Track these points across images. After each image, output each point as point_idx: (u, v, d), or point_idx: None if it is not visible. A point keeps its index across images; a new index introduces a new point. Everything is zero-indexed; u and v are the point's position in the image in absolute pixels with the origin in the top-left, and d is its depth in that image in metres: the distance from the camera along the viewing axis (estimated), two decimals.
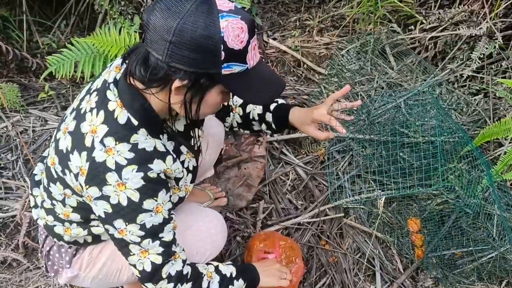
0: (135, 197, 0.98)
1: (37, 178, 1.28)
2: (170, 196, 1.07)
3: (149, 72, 0.91)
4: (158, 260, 1.07)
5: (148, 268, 1.08)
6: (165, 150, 1.04)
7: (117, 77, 1.03)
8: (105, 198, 0.98)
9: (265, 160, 1.95)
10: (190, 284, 1.14)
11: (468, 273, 1.65)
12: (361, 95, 2.19)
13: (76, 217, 1.13)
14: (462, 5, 2.27)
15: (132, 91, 0.98)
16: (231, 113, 1.41)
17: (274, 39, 2.62)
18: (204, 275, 1.19)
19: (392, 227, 1.76)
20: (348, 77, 2.29)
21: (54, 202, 1.14)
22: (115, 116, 0.98)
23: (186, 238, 1.27)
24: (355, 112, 2.06)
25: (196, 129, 1.23)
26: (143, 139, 0.99)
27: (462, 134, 1.83)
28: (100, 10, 2.44)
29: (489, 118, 2.05)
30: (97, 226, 1.16)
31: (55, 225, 1.18)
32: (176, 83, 0.91)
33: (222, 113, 1.43)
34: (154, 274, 1.08)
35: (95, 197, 0.99)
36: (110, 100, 0.99)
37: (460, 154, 1.85)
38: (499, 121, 1.78)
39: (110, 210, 0.99)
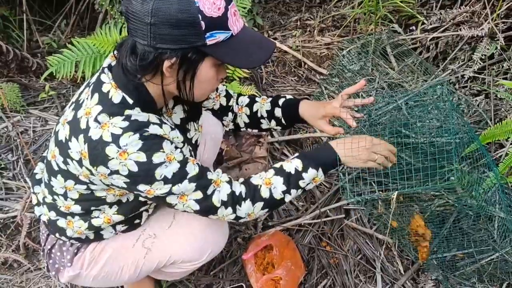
0: (142, 157, 0.96)
1: (38, 176, 1.28)
2: (176, 148, 1.05)
3: (138, 59, 0.93)
4: (199, 195, 1.05)
5: (196, 207, 1.06)
6: (159, 122, 1.04)
7: (112, 64, 1.05)
8: (116, 172, 0.97)
9: (266, 161, 1.94)
10: (248, 200, 1.10)
11: (469, 274, 1.65)
12: (362, 95, 2.19)
13: (77, 209, 1.13)
14: (463, 6, 2.27)
15: (127, 76, 0.99)
16: (230, 113, 1.41)
17: (275, 38, 2.62)
18: (261, 185, 1.12)
19: (393, 228, 1.76)
20: (349, 78, 2.29)
21: (55, 196, 1.15)
22: (109, 97, 0.99)
23: (187, 236, 1.27)
24: (358, 110, 2.06)
25: (193, 123, 1.23)
26: (137, 113, 1.00)
27: (469, 131, 1.82)
28: (100, 9, 2.43)
29: (490, 119, 2.05)
30: (97, 217, 1.17)
31: (57, 219, 1.19)
32: (166, 63, 0.93)
33: (220, 112, 1.43)
34: (206, 208, 1.07)
35: (108, 173, 0.98)
36: (105, 82, 1.01)
37: (462, 155, 1.85)
38: (500, 123, 1.77)
39: (128, 180, 0.99)
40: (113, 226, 1.21)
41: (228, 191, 1.08)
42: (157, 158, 0.98)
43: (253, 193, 1.11)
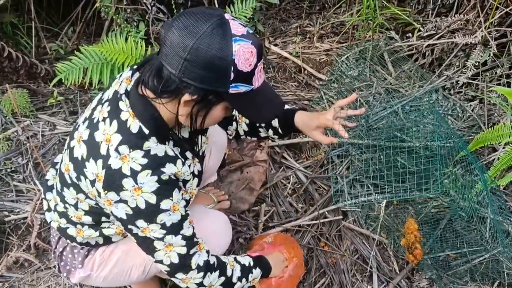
0: (152, 199, 1.04)
1: (49, 183, 1.34)
2: (182, 194, 1.14)
3: (162, 84, 0.98)
4: (183, 250, 1.14)
5: (176, 259, 1.14)
6: (174, 155, 1.11)
7: (128, 88, 1.10)
8: (124, 202, 1.04)
9: (267, 164, 2.01)
10: (217, 272, 1.22)
11: (462, 274, 1.71)
12: (360, 100, 2.26)
13: (88, 219, 1.19)
14: (458, 14, 2.34)
15: (143, 101, 1.04)
16: (234, 123, 1.48)
17: (276, 45, 2.69)
18: (227, 263, 1.28)
19: (389, 229, 1.82)
20: (348, 83, 2.36)
21: (67, 205, 1.20)
22: (128, 126, 1.04)
23: None
24: (354, 118, 2.13)
25: (201, 136, 1.30)
26: (155, 146, 1.06)
27: (458, 140, 1.90)
28: (106, 17, 2.51)
29: (484, 124, 2.12)
30: (108, 227, 1.23)
31: (68, 227, 1.25)
32: (186, 97, 0.98)
33: (225, 122, 1.50)
34: (183, 264, 1.15)
35: (115, 200, 1.04)
36: (123, 111, 1.05)
37: (455, 159, 1.91)
38: (493, 127, 1.84)
39: (131, 212, 1.06)
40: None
41: (206, 258, 1.20)
42: (164, 204, 1.06)
43: (222, 266, 1.26)
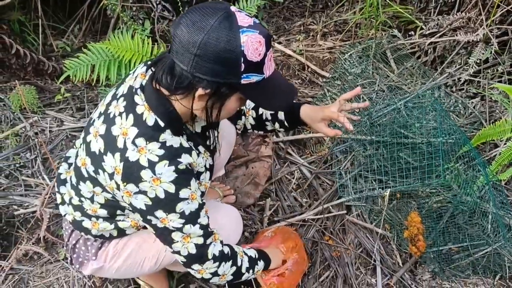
0: (172, 189, 1.07)
1: (62, 177, 1.36)
2: (198, 184, 1.17)
3: (175, 81, 1.00)
4: (200, 240, 1.17)
5: (193, 250, 1.17)
6: (189, 146, 1.13)
7: (143, 83, 1.12)
8: (143, 193, 1.07)
9: (272, 160, 2.04)
10: (230, 261, 1.27)
11: (464, 267, 1.74)
12: (363, 97, 2.29)
13: (103, 212, 1.22)
14: (460, 12, 2.37)
15: (158, 95, 1.07)
16: (243, 117, 1.51)
17: (279, 43, 2.72)
18: (238, 253, 1.33)
19: (392, 223, 1.85)
20: (351, 80, 2.39)
21: (82, 199, 1.23)
22: (144, 119, 1.06)
23: None
24: (357, 113, 2.16)
25: (213, 130, 1.33)
26: (170, 137, 1.08)
27: (461, 135, 1.93)
28: (112, 15, 2.54)
29: (485, 121, 2.15)
30: (123, 220, 1.25)
31: (83, 220, 1.27)
32: (200, 91, 1.00)
33: (234, 116, 1.53)
34: (200, 255, 1.19)
35: (134, 192, 1.07)
36: (138, 104, 1.08)
37: (458, 154, 1.94)
38: (494, 124, 1.87)
39: (150, 203, 1.08)
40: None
41: (220, 248, 1.24)
42: (183, 193, 1.09)
43: (234, 256, 1.30)
